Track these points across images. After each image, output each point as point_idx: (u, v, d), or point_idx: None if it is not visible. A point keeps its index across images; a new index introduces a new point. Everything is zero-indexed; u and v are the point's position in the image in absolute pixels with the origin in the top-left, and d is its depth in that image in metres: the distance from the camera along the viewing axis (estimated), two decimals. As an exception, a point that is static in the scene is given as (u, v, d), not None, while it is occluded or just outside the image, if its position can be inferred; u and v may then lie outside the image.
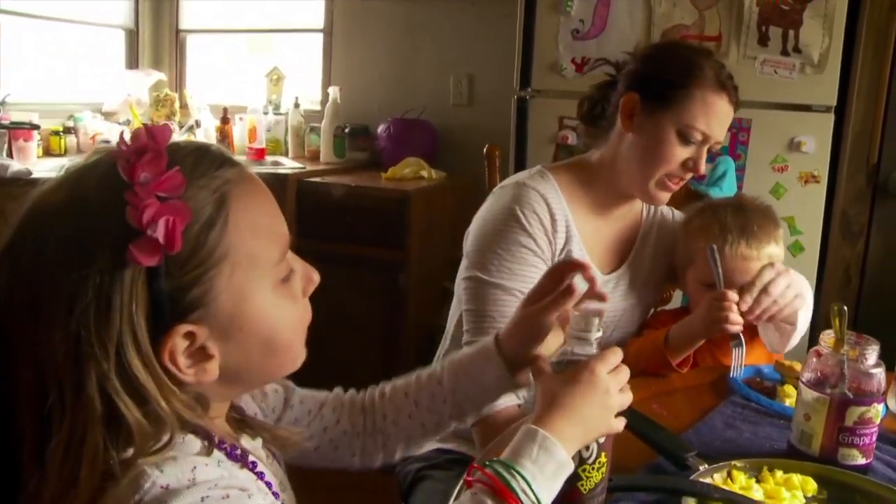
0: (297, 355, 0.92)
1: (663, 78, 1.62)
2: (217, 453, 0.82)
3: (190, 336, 0.79)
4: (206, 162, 0.81)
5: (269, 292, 0.84)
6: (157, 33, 4.28)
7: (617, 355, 0.97)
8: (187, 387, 0.81)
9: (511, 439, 0.92)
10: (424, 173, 3.41)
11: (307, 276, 0.91)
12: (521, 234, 1.60)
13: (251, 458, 0.87)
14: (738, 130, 2.63)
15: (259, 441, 0.96)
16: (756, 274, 1.59)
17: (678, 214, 1.88)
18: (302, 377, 3.24)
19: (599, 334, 0.96)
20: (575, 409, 0.92)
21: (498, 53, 3.33)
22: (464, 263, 1.69)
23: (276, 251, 0.86)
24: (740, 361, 1.55)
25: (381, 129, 3.70)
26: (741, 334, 1.56)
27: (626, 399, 0.98)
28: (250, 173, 0.86)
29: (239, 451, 0.85)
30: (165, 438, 0.76)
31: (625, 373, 0.98)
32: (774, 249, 1.68)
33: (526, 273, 1.58)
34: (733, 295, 1.55)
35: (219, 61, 4.32)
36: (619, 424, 0.97)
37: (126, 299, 0.74)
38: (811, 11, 2.57)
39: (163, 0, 4.27)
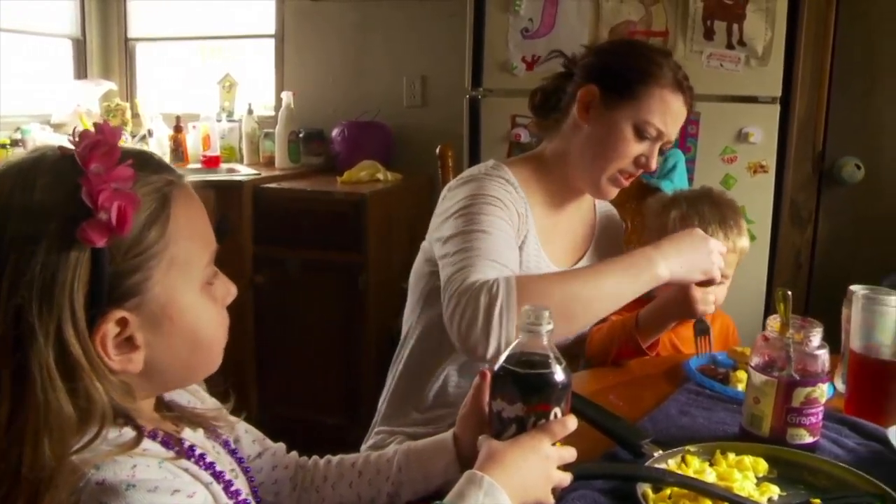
0: (217, 356, 0.96)
1: (625, 72, 1.64)
2: (152, 446, 0.85)
3: (121, 323, 0.82)
4: (152, 164, 0.88)
5: (197, 292, 0.89)
6: (105, 42, 4.23)
7: (564, 429, 0.97)
8: (115, 376, 0.83)
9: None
10: (380, 175, 3.41)
11: (227, 288, 0.96)
12: (494, 205, 1.58)
13: (199, 449, 0.91)
14: (688, 123, 2.64)
15: (200, 432, 0.98)
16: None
17: (611, 208, 1.95)
18: (267, 383, 3.24)
19: (550, 327, 0.97)
20: (515, 469, 0.94)
21: (451, 53, 3.34)
22: (427, 245, 1.68)
23: (205, 255, 0.91)
24: (709, 346, 1.59)
25: (335, 132, 3.70)
26: (706, 320, 1.61)
27: (566, 477, 0.99)
28: (187, 183, 0.91)
29: (173, 440, 0.89)
30: (94, 429, 0.79)
31: (569, 451, 0.99)
32: (745, 242, 1.75)
33: (503, 226, 1.56)
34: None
35: (170, 69, 4.28)
36: (551, 500, 0.98)
37: (69, 277, 0.78)
38: (753, 5, 2.63)
39: (110, 8, 4.22)
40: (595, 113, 1.64)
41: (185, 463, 0.87)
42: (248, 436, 1.15)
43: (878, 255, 2.88)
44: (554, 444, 0.97)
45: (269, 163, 3.77)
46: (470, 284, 1.39)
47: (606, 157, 1.64)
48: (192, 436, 0.95)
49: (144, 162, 0.86)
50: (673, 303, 1.59)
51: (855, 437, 1.30)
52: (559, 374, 0.97)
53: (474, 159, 2.87)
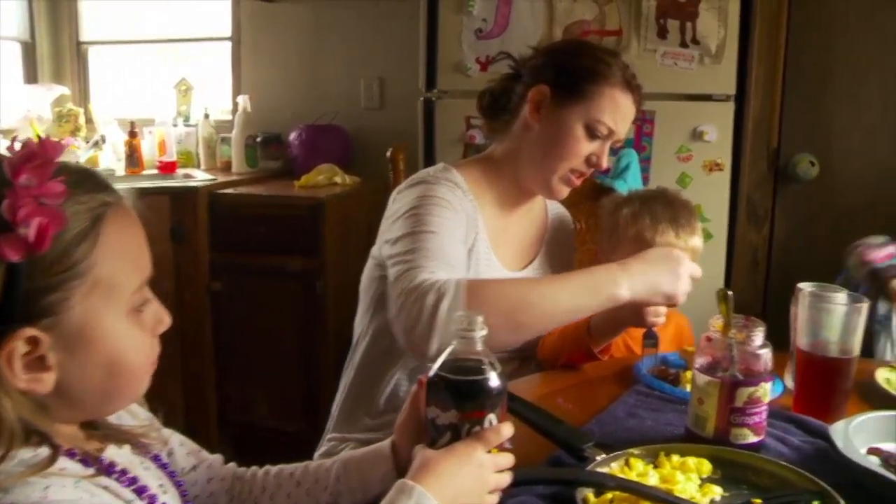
0: (139, 385, 0.92)
1: (575, 72, 1.64)
2: (70, 465, 0.82)
3: (33, 342, 0.80)
4: (90, 182, 0.86)
5: (122, 317, 0.86)
6: (56, 45, 4.14)
7: (499, 436, 0.96)
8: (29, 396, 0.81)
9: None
10: (338, 179, 3.38)
11: (159, 317, 0.92)
12: (442, 206, 1.57)
13: (121, 466, 0.89)
14: (643, 122, 2.68)
15: (127, 448, 0.96)
16: None
17: (563, 210, 1.94)
18: (226, 390, 3.20)
19: (484, 333, 0.96)
20: (448, 477, 0.92)
21: (408, 55, 3.32)
22: (377, 250, 1.67)
23: (136, 280, 0.88)
24: (650, 363, 1.58)
25: (293, 136, 3.66)
26: (657, 332, 1.60)
27: (503, 480, 0.98)
28: (127, 206, 0.90)
29: (92, 458, 0.86)
30: (2, 450, 0.77)
31: (506, 457, 0.98)
32: (698, 242, 1.73)
33: (452, 227, 1.55)
34: None
35: (124, 73, 4.21)
36: (492, 500, 0.97)
37: None
38: (706, 4, 2.63)
39: (60, 10, 4.13)
40: (545, 113, 1.64)
41: (104, 481, 0.85)
42: (182, 448, 1.12)
43: (835, 252, 2.88)
44: (490, 451, 0.96)
45: (227, 168, 3.73)
46: (419, 283, 1.39)
47: (557, 156, 1.64)
48: (116, 453, 0.93)
49: (82, 180, 0.85)
50: (626, 311, 1.57)
51: (801, 434, 1.29)
52: (493, 381, 0.95)
53: (429, 161, 2.86)
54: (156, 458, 1.01)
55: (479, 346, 0.96)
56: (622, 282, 1.43)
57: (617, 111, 1.62)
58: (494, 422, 0.96)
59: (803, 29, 2.94)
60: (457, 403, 0.94)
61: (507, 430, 0.97)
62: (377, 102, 3.74)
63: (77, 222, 0.81)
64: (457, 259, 1.51)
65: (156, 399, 1.07)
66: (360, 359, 1.76)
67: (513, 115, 1.71)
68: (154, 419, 1.07)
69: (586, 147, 1.63)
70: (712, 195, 2.71)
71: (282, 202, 3.21)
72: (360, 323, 1.78)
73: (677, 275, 1.48)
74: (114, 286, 0.84)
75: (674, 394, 1.44)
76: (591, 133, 1.62)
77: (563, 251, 1.87)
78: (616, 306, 1.58)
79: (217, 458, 1.16)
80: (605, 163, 1.67)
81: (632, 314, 1.54)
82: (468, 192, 1.65)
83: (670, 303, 1.49)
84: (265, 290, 3.19)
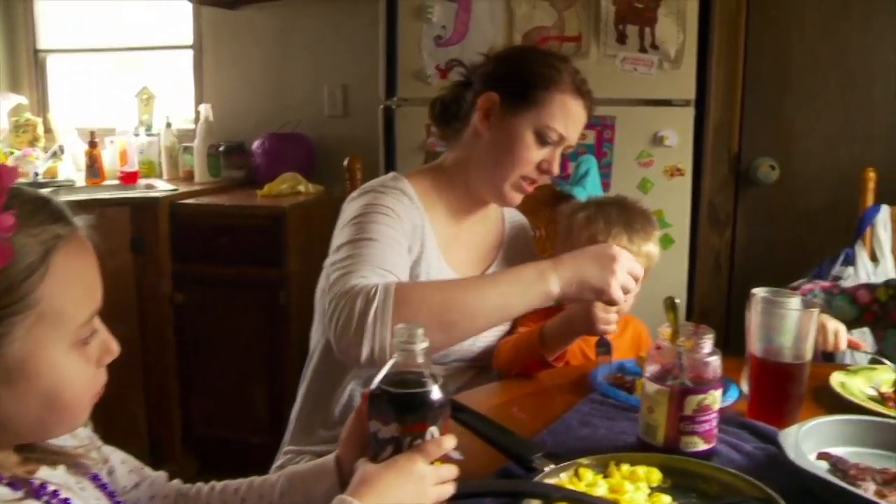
0: (78, 417, 0.91)
1: (525, 79, 1.63)
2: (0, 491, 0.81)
3: None
4: (43, 213, 0.84)
5: (65, 350, 0.85)
6: (11, 53, 4.07)
7: (440, 448, 0.95)
8: None
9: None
10: (301, 188, 3.36)
11: (106, 346, 0.92)
12: (386, 214, 1.57)
13: (52, 487, 0.87)
14: (603, 128, 2.68)
15: (62, 468, 0.94)
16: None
17: (522, 218, 1.93)
18: (190, 403, 3.16)
19: (425, 345, 0.95)
20: (387, 491, 0.91)
21: (372, 62, 3.31)
22: (328, 260, 1.66)
23: (84, 313, 0.87)
24: (606, 370, 1.57)
25: (256, 145, 3.64)
26: (609, 340, 1.59)
27: (445, 492, 0.96)
28: (81, 236, 0.89)
29: (21, 481, 0.85)
30: None
31: (448, 469, 0.97)
32: (653, 248, 1.72)
33: (394, 236, 1.55)
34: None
35: (84, 82, 4.16)
36: None
37: None
38: (665, 9, 2.64)
39: (15, 18, 4.07)
40: (495, 120, 1.63)
41: (33, 503, 0.83)
42: (123, 466, 1.10)
43: (797, 255, 2.91)
44: (433, 463, 0.94)
45: (189, 177, 3.69)
46: (349, 288, 1.39)
47: (508, 163, 1.63)
48: (49, 474, 0.91)
49: (36, 210, 0.83)
50: (577, 318, 1.56)
51: (754, 440, 1.29)
52: (435, 393, 0.94)
53: (390, 170, 2.83)
54: (94, 478, 0.99)
55: (421, 359, 0.95)
56: (550, 277, 1.42)
57: (567, 117, 1.62)
58: (436, 434, 0.95)
59: (762, 34, 2.97)
60: (398, 416, 0.93)
61: (449, 442, 0.95)
62: (341, 110, 3.72)
63: (26, 256, 0.80)
64: (396, 266, 1.50)
65: (118, 413, 1.05)
66: (314, 370, 1.75)
67: (464, 123, 1.70)
68: (94, 437, 1.05)
69: (537, 154, 1.62)
70: (674, 200, 2.72)
71: (244, 212, 3.19)
72: (315, 334, 1.77)
73: (609, 270, 1.43)
74: (60, 320, 0.84)
75: (629, 402, 1.43)
76: (542, 139, 1.61)
77: (522, 258, 1.86)
78: (568, 316, 1.58)
79: (160, 475, 1.14)
80: (557, 169, 1.66)
81: (583, 322, 1.54)
82: (418, 201, 1.64)
83: (602, 298, 1.45)
84: (228, 301, 3.17)
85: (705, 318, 2.93)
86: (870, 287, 1.89)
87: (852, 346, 1.70)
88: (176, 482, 1.15)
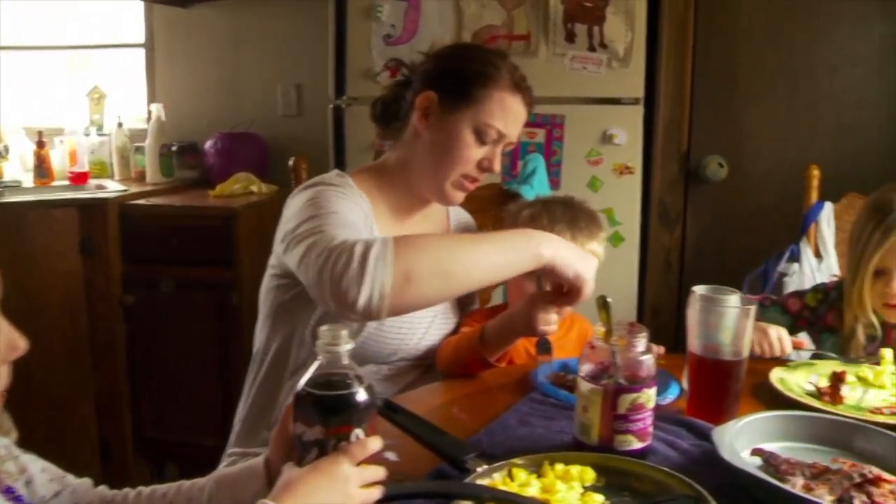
0: None
1: (462, 77, 1.62)
2: None
3: None
4: None
5: None
6: (-44, 52, 4.00)
7: (365, 450, 0.94)
8: None
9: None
10: (254, 188, 3.34)
11: (11, 343, 0.87)
12: (339, 196, 1.55)
13: None
14: (553, 127, 2.69)
15: None
16: None
17: (468, 216, 1.93)
18: (142, 407, 3.11)
19: (350, 347, 0.94)
20: (309, 494, 0.90)
21: (325, 62, 3.30)
22: (273, 259, 1.66)
23: None
24: (549, 369, 1.57)
25: (208, 144, 3.60)
26: (549, 339, 1.59)
27: (372, 495, 0.95)
28: None
29: None
30: None
31: (374, 471, 0.96)
32: (597, 247, 1.72)
33: (354, 213, 1.54)
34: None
35: (33, 80, 4.08)
36: None
37: None
38: (613, 8, 2.66)
39: (-40, 16, 4.00)
40: (434, 119, 1.62)
41: None
42: (43, 475, 1.08)
43: (746, 252, 2.94)
44: (360, 465, 0.93)
45: (142, 178, 3.63)
46: (342, 241, 1.34)
47: (448, 162, 1.62)
48: None
49: None
50: (517, 318, 1.56)
51: (691, 437, 1.30)
52: (360, 395, 0.93)
53: (341, 170, 2.83)
54: (7, 491, 0.97)
55: (345, 361, 0.94)
56: (543, 242, 1.42)
57: (507, 114, 1.61)
58: (362, 436, 0.94)
59: (709, 34, 3.00)
60: (322, 419, 0.92)
61: (375, 444, 0.95)
62: (295, 109, 3.70)
63: None
64: (363, 233, 1.48)
65: (67, 418, 1.03)
66: (258, 371, 1.74)
67: (404, 123, 1.69)
68: (12, 447, 1.02)
69: (477, 152, 1.62)
70: (623, 198, 2.73)
71: (195, 212, 3.15)
72: (259, 335, 1.75)
73: (589, 262, 1.46)
74: None
75: (569, 401, 1.42)
76: (481, 137, 1.61)
77: None
78: (509, 316, 1.57)
79: (84, 482, 1.12)
80: (498, 167, 1.66)
81: (523, 323, 1.53)
82: (363, 198, 1.63)
83: (576, 284, 1.45)
84: (179, 303, 3.13)
85: (656, 316, 2.95)
86: (798, 294, 1.92)
87: (796, 347, 1.72)
88: (101, 489, 1.13)
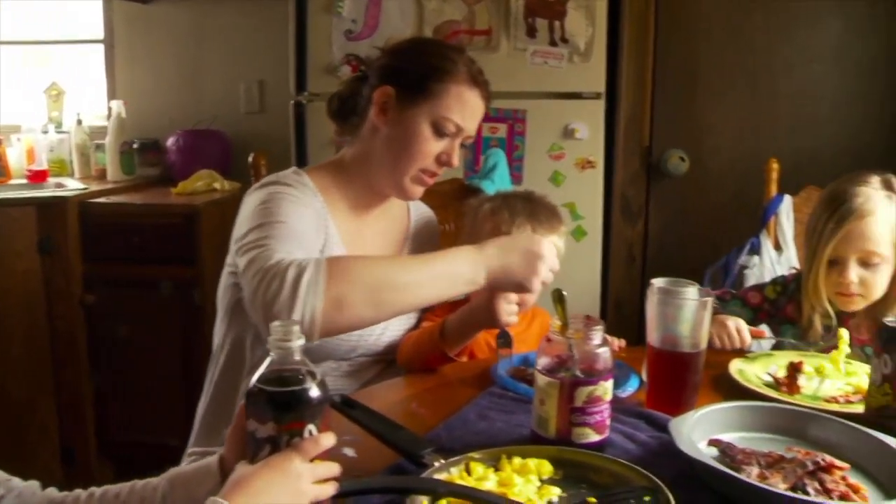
0: None
1: (419, 71, 1.62)
2: None
3: None
4: None
5: None
6: None
7: (317, 446, 0.93)
8: None
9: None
10: (217, 185, 3.31)
11: None
12: (291, 201, 1.55)
13: None
14: (514, 121, 2.69)
15: None
16: None
17: (429, 211, 1.93)
18: (105, 407, 3.07)
19: (301, 342, 0.93)
20: (260, 491, 0.89)
21: (286, 57, 3.27)
22: (230, 257, 1.65)
23: None
24: (509, 363, 1.57)
25: (170, 142, 3.56)
26: (510, 332, 1.59)
27: (325, 491, 0.94)
28: None
29: None
30: None
31: (327, 467, 0.95)
32: (557, 241, 1.72)
33: (304, 219, 1.53)
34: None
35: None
36: None
37: None
38: (574, 3, 2.67)
39: None
40: (392, 114, 1.62)
41: None
42: None
43: (708, 245, 2.96)
44: (313, 461, 0.93)
45: (103, 176, 3.58)
46: (276, 261, 1.35)
47: (407, 157, 1.62)
48: None
49: None
50: (478, 311, 1.56)
51: (649, 429, 1.30)
52: (313, 391, 0.92)
53: (302, 166, 2.81)
54: None
55: (297, 356, 0.93)
56: (479, 265, 1.42)
57: (464, 108, 1.61)
58: (315, 432, 0.93)
59: (670, 28, 3.01)
60: (274, 415, 0.91)
61: (328, 439, 0.94)
62: (257, 106, 3.68)
63: None
64: (310, 247, 1.49)
65: (27, 421, 1.00)
66: (217, 370, 1.73)
67: (362, 118, 1.68)
68: None
69: (435, 146, 1.61)
70: (586, 192, 2.75)
71: (156, 210, 3.12)
72: (218, 333, 1.74)
73: (533, 267, 1.45)
74: None
75: (528, 394, 1.42)
76: (439, 132, 1.60)
77: (425, 249, 1.85)
78: (469, 310, 1.57)
79: (30, 484, 1.10)
80: (457, 161, 1.65)
81: (484, 315, 1.53)
82: (318, 194, 1.63)
83: (521, 292, 1.48)
84: (142, 302, 3.09)
85: (619, 309, 2.96)
86: (758, 287, 1.95)
87: (756, 336, 1.74)
88: (49, 490, 1.10)
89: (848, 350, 1.59)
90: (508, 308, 1.52)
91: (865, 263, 1.70)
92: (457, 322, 1.58)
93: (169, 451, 3.07)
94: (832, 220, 1.71)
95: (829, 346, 1.66)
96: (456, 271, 1.42)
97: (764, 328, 1.96)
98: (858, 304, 1.74)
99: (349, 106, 1.73)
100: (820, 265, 1.73)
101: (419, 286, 1.40)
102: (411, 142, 1.61)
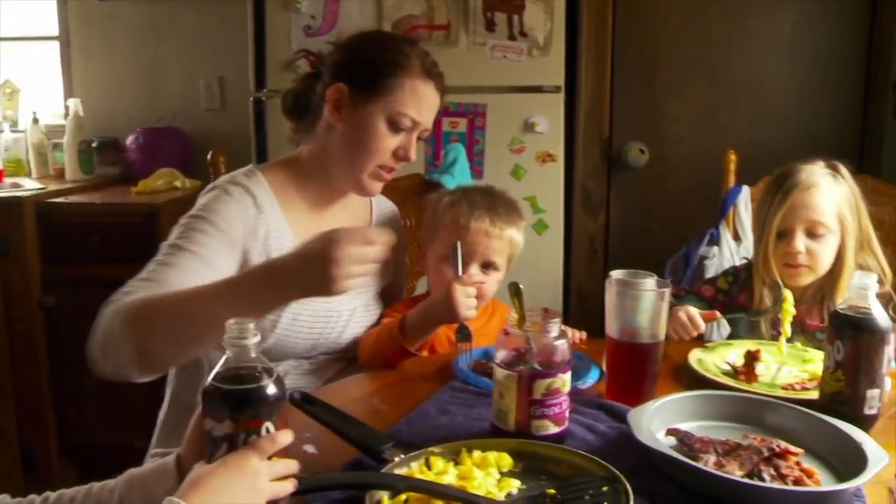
0: None
1: (372, 67, 1.61)
2: None
3: None
4: None
5: None
6: None
7: (274, 444, 0.93)
8: None
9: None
10: (178, 183, 3.28)
11: None
12: (211, 223, 1.53)
13: None
14: (475, 116, 2.70)
15: None
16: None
17: (392, 206, 1.93)
18: (66, 410, 3.02)
19: (257, 340, 0.93)
20: (217, 490, 0.89)
21: (246, 54, 3.25)
22: None
23: None
24: (469, 357, 1.57)
25: (130, 140, 3.52)
26: (469, 326, 1.59)
27: (283, 488, 0.94)
28: None
29: None
30: None
31: (285, 464, 0.95)
32: (516, 235, 1.73)
33: (209, 243, 1.51)
34: (470, 283, 1.58)
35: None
36: None
37: None
38: (532, -4, 2.68)
39: None
40: (346, 111, 1.61)
41: None
42: None
43: (669, 236, 2.99)
44: (271, 458, 0.92)
45: (61, 175, 3.53)
46: (109, 300, 1.41)
47: (363, 154, 1.61)
48: None
49: None
50: (437, 306, 1.57)
51: (609, 420, 1.32)
52: (269, 388, 0.92)
53: (263, 163, 2.80)
54: None
55: (253, 353, 0.93)
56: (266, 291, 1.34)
57: (419, 101, 1.61)
58: (272, 430, 0.93)
59: (629, 21, 3.03)
60: (231, 413, 0.91)
61: (285, 437, 0.94)
62: (218, 103, 3.64)
63: None
64: (207, 278, 1.42)
65: None
66: (178, 370, 1.72)
67: (316, 116, 1.67)
68: None
69: (391, 141, 1.61)
70: (547, 186, 2.76)
71: (116, 210, 3.08)
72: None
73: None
74: None
75: (488, 388, 1.42)
76: (395, 127, 1.60)
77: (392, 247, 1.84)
78: (429, 304, 1.57)
79: None
80: (414, 155, 1.65)
81: (443, 310, 1.54)
82: (271, 194, 1.61)
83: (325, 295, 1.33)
84: (102, 302, 3.05)
85: (582, 302, 2.98)
86: (711, 281, 1.99)
87: (709, 319, 1.77)
88: (2, 498, 1.09)
89: (793, 311, 1.64)
90: (467, 302, 1.53)
91: (812, 234, 1.76)
92: (416, 318, 1.58)
93: (134, 453, 3.05)
94: (779, 192, 1.78)
95: (776, 313, 1.72)
96: (259, 295, 1.33)
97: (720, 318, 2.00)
98: (805, 277, 1.78)
99: (303, 103, 1.72)
100: (769, 238, 1.79)
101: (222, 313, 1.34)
102: (367, 139, 1.60)
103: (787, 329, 1.63)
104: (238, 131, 3.26)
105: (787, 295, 1.65)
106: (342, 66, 1.64)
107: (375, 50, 1.64)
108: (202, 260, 1.47)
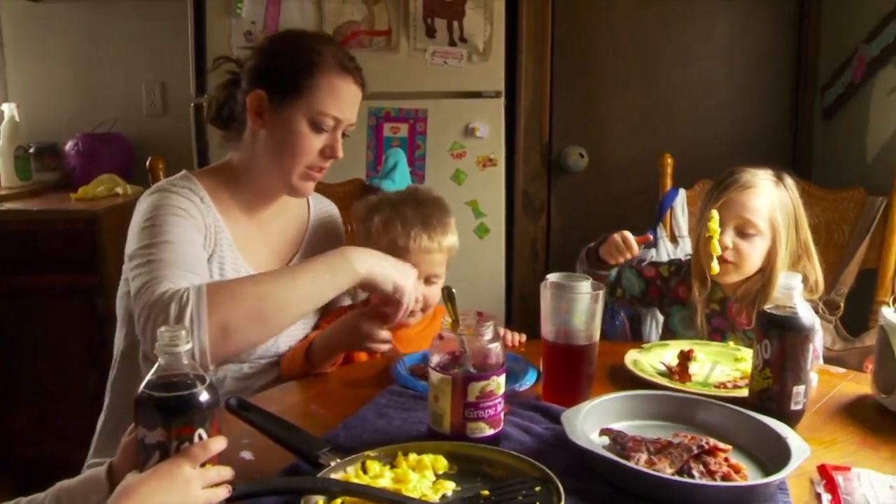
0: None
1: (287, 70, 1.61)
2: None
3: None
4: None
5: None
6: None
7: (206, 451, 0.93)
8: None
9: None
10: (119, 189, 3.23)
11: None
12: (177, 214, 1.54)
13: None
14: (416, 121, 2.71)
15: None
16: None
17: (332, 208, 1.93)
18: (12, 423, 2.95)
19: (188, 347, 0.93)
20: (148, 498, 0.89)
21: (187, 58, 3.22)
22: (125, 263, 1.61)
23: None
24: (403, 364, 1.58)
25: (69, 145, 3.46)
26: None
27: (216, 496, 0.94)
28: None
29: None
30: None
31: (217, 471, 0.95)
32: (452, 239, 1.74)
33: (189, 235, 1.54)
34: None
35: None
36: None
37: None
38: (472, 3, 2.71)
39: None
40: (268, 116, 1.61)
41: None
42: None
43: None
44: (204, 465, 0.93)
45: (-3, 182, 3.47)
46: (160, 295, 1.37)
47: (290, 157, 1.62)
48: None
49: None
50: (343, 332, 1.59)
51: (545, 421, 1.34)
52: (201, 395, 0.92)
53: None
54: None
55: (185, 360, 0.93)
56: (355, 258, 1.50)
57: (339, 98, 1.61)
58: (205, 436, 0.93)
59: (568, 27, 3.07)
60: (163, 421, 0.91)
61: (217, 443, 0.94)
62: (160, 108, 3.60)
63: None
64: (197, 266, 1.49)
65: None
66: (116, 377, 1.70)
67: (241, 122, 1.67)
68: None
69: (316, 142, 1.62)
70: (488, 190, 2.78)
71: (54, 217, 3.02)
72: (117, 341, 1.72)
73: (407, 273, 1.54)
74: None
75: (426, 391, 1.44)
76: (318, 127, 1.61)
77: (326, 248, 1.84)
78: (334, 329, 1.60)
79: None
80: (341, 152, 1.65)
81: (349, 336, 1.57)
82: (207, 199, 1.61)
83: (397, 295, 1.53)
84: (44, 311, 3.00)
85: (524, 303, 3.01)
86: (655, 264, 2.05)
87: (641, 242, 1.88)
88: None
89: (718, 229, 1.77)
90: (377, 334, 1.56)
91: (742, 233, 1.82)
92: (321, 346, 1.60)
93: (76, 466, 3.00)
94: (717, 189, 1.87)
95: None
96: (334, 268, 1.49)
97: (655, 312, 2.06)
98: (732, 275, 1.85)
99: (226, 111, 1.71)
100: (702, 231, 1.85)
101: (300, 292, 1.45)
102: (292, 142, 1.60)
103: (716, 246, 1.76)
104: (180, 136, 3.23)
105: (714, 214, 1.77)
106: (259, 71, 1.64)
107: (290, 52, 1.64)
108: (189, 247, 1.52)
